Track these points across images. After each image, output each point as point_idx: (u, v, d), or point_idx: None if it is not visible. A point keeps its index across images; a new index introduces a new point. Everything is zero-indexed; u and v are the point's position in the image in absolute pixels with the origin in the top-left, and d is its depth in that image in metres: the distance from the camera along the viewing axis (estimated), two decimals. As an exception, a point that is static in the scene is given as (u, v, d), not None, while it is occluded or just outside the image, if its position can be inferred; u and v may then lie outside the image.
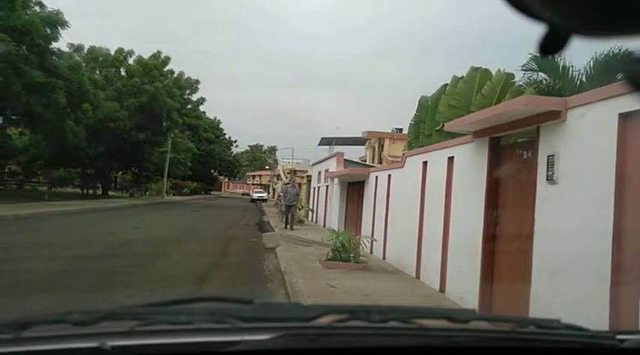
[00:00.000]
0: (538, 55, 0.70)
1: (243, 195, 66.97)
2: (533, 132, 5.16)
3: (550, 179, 4.56)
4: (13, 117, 22.05)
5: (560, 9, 0.57)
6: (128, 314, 1.07)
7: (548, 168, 4.61)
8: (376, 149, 27.07)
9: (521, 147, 5.54)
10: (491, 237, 5.69)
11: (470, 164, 6.40)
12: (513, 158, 5.59)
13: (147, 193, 39.22)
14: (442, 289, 6.91)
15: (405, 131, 18.22)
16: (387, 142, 25.54)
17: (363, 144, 30.45)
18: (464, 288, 6.15)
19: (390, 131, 26.11)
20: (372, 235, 10.66)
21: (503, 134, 5.75)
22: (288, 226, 16.80)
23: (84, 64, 25.85)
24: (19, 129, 24.88)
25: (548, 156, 4.62)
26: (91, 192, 31.78)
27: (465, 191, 6.49)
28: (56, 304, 5.08)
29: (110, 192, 34.69)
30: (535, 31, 0.61)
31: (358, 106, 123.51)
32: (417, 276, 7.99)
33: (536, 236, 4.71)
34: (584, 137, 4.22)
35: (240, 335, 0.99)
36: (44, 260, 8.03)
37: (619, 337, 1.15)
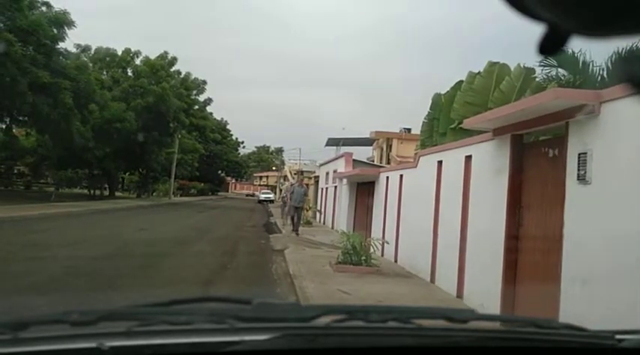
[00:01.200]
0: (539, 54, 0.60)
1: (247, 196, 66.65)
2: (559, 129, 4.84)
3: (582, 179, 4.24)
4: (20, 118, 21.97)
5: (560, 9, 0.57)
6: (127, 315, 1.05)
7: (579, 167, 4.29)
8: (384, 149, 26.74)
9: (547, 144, 5.20)
10: (514, 240, 5.37)
11: (490, 163, 6.08)
12: (538, 156, 5.26)
13: (154, 194, 39.15)
14: (459, 294, 6.59)
15: (414, 131, 17.93)
16: (395, 142, 25.24)
17: (371, 144, 30.14)
18: (484, 294, 5.82)
19: (398, 131, 25.81)
20: (383, 237, 10.35)
21: (527, 131, 5.43)
22: (295, 228, 15.21)
23: (91, 65, 25.79)
24: (26, 130, 24.83)
25: (580, 154, 4.30)
26: (98, 192, 31.74)
27: (484, 191, 6.17)
28: (59, 305, 4.88)
29: (117, 193, 34.66)
30: (537, 30, 0.61)
31: (365, 107, 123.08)
32: (432, 280, 7.67)
33: (566, 239, 4.39)
34: (622, 133, 3.90)
35: (239, 335, 0.99)
36: (48, 261, 7.91)
37: (618, 337, 1.14)
